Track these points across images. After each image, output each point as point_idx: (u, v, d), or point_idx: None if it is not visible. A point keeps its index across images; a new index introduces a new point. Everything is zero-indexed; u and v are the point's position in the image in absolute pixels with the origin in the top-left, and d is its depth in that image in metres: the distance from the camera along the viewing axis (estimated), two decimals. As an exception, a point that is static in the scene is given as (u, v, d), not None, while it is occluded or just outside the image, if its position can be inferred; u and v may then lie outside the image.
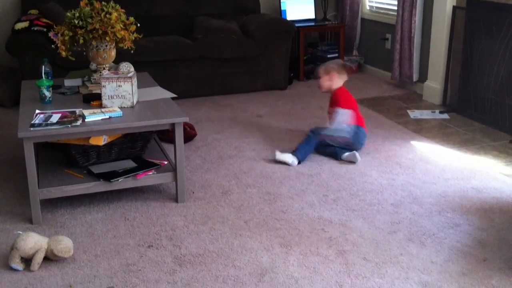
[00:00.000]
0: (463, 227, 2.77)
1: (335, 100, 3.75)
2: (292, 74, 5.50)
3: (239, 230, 2.75)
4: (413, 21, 4.99)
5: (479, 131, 4.14)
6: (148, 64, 4.58)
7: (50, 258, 2.45)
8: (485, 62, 4.27)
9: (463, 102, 4.54)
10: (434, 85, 4.85)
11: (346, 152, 3.59)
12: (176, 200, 3.04)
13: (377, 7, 5.85)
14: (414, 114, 4.55)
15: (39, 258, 2.40)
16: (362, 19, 5.95)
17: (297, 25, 5.45)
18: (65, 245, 2.45)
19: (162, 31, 5.16)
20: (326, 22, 5.85)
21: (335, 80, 3.75)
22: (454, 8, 4.53)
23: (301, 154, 3.58)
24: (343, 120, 3.64)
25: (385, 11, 5.67)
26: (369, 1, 5.95)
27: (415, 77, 5.14)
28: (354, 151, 3.58)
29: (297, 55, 5.61)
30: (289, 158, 3.56)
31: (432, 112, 4.58)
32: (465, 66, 4.48)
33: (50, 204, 2.95)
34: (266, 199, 3.09)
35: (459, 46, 4.53)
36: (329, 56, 5.76)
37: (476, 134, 4.09)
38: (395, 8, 5.25)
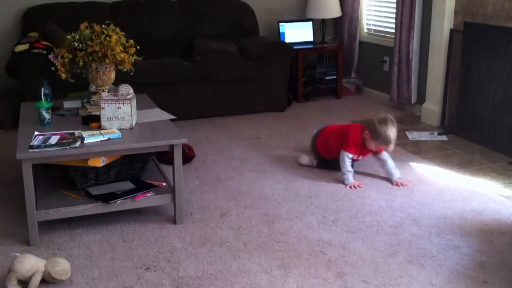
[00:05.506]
0: (463, 249, 2.75)
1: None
2: (291, 96, 5.52)
3: (237, 252, 2.74)
4: (410, 44, 5.03)
5: (477, 153, 4.14)
6: (147, 85, 4.61)
7: (47, 281, 2.43)
8: (483, 84, 4.29)
9: (461, 123, 4.55)
10: (432, 107, 4.86)
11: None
12: (174, 221, 3.03)
13: (375, 30, 5.90)
14: (413, 135, 4.56)
15: (36, 280, 2.38)
16: (360, 42, 5.99)
17: (295, 47, 5.49)
18: (62, 267, 2.43)
19: (161, 53, 5.19)
20: (325, 45, 5.90)
21: (369, 144, 3.58)
22: (452, 30, 4.57)
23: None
24: None
25: (383, 34, 5.72)
26: (367, 24, 6.00)
27: (413, 99, 5.16)
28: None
29: (296, 77, 5.63)
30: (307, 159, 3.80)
31: (430, 133, 4.59)
32: (463, 88, 4.50)
33: (48, 225, 2.94)
34: (264, 221, 3.08)
35: (456, 68, 4.56)
36: (327, 78, 5.80)
37: (475, 155, 4.09)
38: (393, 31, 5.29)
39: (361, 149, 3.63)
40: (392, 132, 3.47)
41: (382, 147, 3.56)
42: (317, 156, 3.85)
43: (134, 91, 3.31)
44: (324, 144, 3.80)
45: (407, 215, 3.14)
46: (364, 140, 3.58)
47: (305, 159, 3.88)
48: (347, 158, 3.59)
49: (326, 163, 3.80)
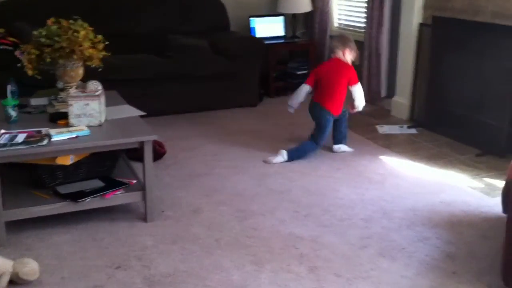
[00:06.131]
0: (432, 241, 2.79)
1: (354, 76, 3.93)
2: (262, 91, 5.52)
3: (210, 249, 2.73)
4: (380, 38, 5.06)
5: (446, 146, 4.20)
6: (119, 82, 4.53)
7: (15, 282, 2.39)
8: (451, 77, 4.35)
9: (430, 117, 4.61)
10: (401, 101, 4.91)
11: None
12: (145, 219, 3.00)
13: (345, 25, 5.93)
14: (383, 129, 4.60)
15: (4, 281, 2.34)
16: (331, 36, 6.01)
17: (266, 42, 5.49)
18: (30, 267, 2.39)
19: (133, 49, 5.12)
20: (296, 40, 5.90)
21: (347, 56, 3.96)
22: (421, 25, 4.62)
23: (291, 154, 3.86)
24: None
25: (353, 29, 5.74)
26: (338, 19, 6.02)
27: (383, 93, 5.20)
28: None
29: (267, 72, 5.63)
30: (278, 158, 3.83)
31: (400, 127, 4.64)
32: (431, 82, 4.55)
33: (15, 225, 2.87)
34: (237, 217, 3.07)
35: (425, 63, 4.62)
36: (298, 73, 5.81)
37: (444, 148, 4.15)
38: (364, 25, 5.33)
39: None
40: None
41: (354, 54, 3.94)
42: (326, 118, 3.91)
43: (106, 88, 3.26)
44: (330, 98, 3.89)
45: (378, 208, 3.17)
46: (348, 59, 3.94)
47: (275, 158, 3.86)
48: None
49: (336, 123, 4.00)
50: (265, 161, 3.85)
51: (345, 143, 4.07)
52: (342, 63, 3.91)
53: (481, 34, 4.02)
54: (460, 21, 4.23)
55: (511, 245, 2.30)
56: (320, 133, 3.89)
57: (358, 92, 3.91)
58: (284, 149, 3.88)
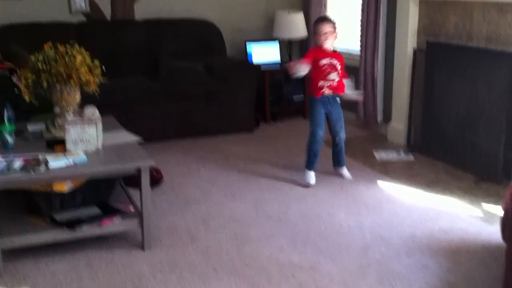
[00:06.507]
0: (432, 269, 2.77)
1: (342, 62, 3.96)
2: (258, 116, 5.52)
3: (207, 277, 2.69)
4: (375, 64, 5.10)
5: (443, 171, 4.20)
6: (113, 106, 4.51)
7: (10, 312, 2.35)
8: (446, 102, 4.37)
9: (426, 142, 4.62)
10: (398, 126, 4.93)
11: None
12: (142, 247, 2.96)
13: (340, 50, 5.95)
14: (380, 155, 4.60)
15: (-2, 312, 2.30)
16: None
17: (262, 67, 5.51)
18: (26, 297, 2.35)
19: (127, 72, 5.12)
20: (291, 64, 5.91)
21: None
22: (415, 50, 4.65)
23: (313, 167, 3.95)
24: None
25: (348, 54, 5.77)
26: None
27: (379, 118, 5.22)
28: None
29: (263, 97, 5.64)
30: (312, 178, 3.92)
31: (397, 152, 4.64)
32: (426, 106, 4.57)
33: (12, 253, 2.83)
34: (234, 244, 3.05)
35: (421, 87, 4.64)
36: (294, 96, 5.83)
37: (441, 174, 4.15)
38: (358, 51, 5.36)
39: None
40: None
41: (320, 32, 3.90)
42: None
43: (99, 111, 3.24)
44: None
45: (376, 235, 3.15)
46: (317, 42, 3.93)
47: (310, 177, 3.94)
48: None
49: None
50: (306, 185, 3.91)
51: (341, 168, 4.09)
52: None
53: (475, 59, 4.05)
54: (454, 47, 4.27)
55: (511, 273, 2.29)
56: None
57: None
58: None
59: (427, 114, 4.58)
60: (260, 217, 3.39)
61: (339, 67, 3.91)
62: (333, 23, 3.94)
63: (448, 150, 4.37)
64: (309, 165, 3.92)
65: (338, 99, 3.97)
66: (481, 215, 3.42)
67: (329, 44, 3.90)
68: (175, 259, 2.87)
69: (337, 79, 3.89)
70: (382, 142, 4.99)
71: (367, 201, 3.64)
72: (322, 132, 3.88)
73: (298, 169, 4.12)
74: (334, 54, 3.95)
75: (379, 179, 4.03)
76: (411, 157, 4.53)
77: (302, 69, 3.84)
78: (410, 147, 4.76)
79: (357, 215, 3.42)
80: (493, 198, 3.66)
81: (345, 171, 4.07)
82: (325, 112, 3.92)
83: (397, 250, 2.97)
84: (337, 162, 4.08)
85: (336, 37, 3.96)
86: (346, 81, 3.95)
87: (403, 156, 4.56)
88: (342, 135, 3.99)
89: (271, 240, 3.09)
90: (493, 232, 3.13)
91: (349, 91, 4.01)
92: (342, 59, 3.96)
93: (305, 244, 3.04)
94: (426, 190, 3.82)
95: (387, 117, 5.15)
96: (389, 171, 4.23)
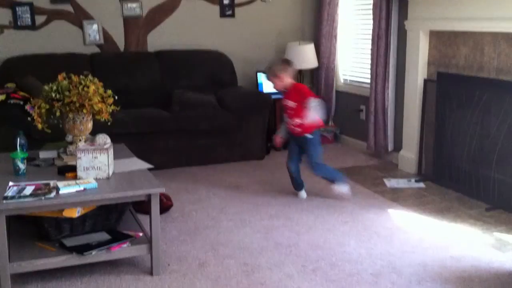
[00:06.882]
0: (443, 297, 2.74)
1: (302, 93, 3.99)
2: (269, 144, 5.54)
3: (216, 304, 2.68)
4: (386, 93, 5.12)
5: (455, 200, 4.17)
6: (125, 136, 4.58)
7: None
8: (457, 132, 4.36)
9: (437, 171, 4.59)
10: (408, 155, 4.92)
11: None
12: (151, 273, 2.96)
13: (351, 80, 6.01)
14: (391, 183, 4.58)
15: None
16: (337, 91, 6.09)
17: (273, 97, 5.55)
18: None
19: (140, 104, 5.20)
20: (302, 94, 5.95)
21: (286, 79, 4.07)
22: (425, 81, 4.67)
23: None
24: (319, 107, 3.91)
25: (359, 84, 5.82)
26: (343, 75, 6.11)
27: (390, 147, 5.22)
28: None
29: (274, 126, 5.67)
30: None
31: (408, 181, 4.62)
32: (438, 136, 4.57)
33: (21, 278, 2.85)
34: (244, 271, 3.03)
35: (431, 117, 4.65)
36: (305, 127, 5.85)
37: (452, 202, 4.11)
38: (369, 80, 5.39)
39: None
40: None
41: (285, 70, 4.08)
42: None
43: (112, 141, 3.29)
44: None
45: (387, 263, 3.12)
46: (287, 80, 4.10)
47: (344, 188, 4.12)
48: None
49: None
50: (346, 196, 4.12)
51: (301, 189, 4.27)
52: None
53: (486, 90, 4.05)
54: (464, 77, 4.28)
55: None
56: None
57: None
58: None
59: (439, 144, 4.56)
60: (269, 245, 3.38)
61: (292, 104, 4.03)
62: (277, 67, 4.11)
63: (459, 178, 4.34)
64: (333, 179, 4.14)
65: (307, 135, 4.04)
66: (493, 243, 3.38)
67: (278, 86, 4.15)
68: (183, 286, 2.86)
69: (298, 123, 4.00)
70: (393, 170, 4.98)
71: (377, 229, 3.61)
72: (290, 164, 4.17)
73: (308, 195, 4.11)
74: (287, 92, 4.12)
75: (389, 207, 4.01)
76: (422, 185, 4.51)
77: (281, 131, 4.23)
78: (421, 175, 4.74)
79: (368, 243, 3.39)
80: (505, 226, 3.62)
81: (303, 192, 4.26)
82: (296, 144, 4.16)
83: (408, 278, 2.94)
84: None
85: (282, 78, 4.09)
86: (313, 102, 3.90)
87: (414, 184, 4.54)
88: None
89: (281, 267, 3.08)
90: (506, 261, 3.09)
91: (312, 115, 3.93)
92: (297, 88, 4.07)
93: (315, 272, 3.01)
94: (437, 218, 3.79)
95: (398, 146, 5.14)
96: (399, 199, 4.21)
